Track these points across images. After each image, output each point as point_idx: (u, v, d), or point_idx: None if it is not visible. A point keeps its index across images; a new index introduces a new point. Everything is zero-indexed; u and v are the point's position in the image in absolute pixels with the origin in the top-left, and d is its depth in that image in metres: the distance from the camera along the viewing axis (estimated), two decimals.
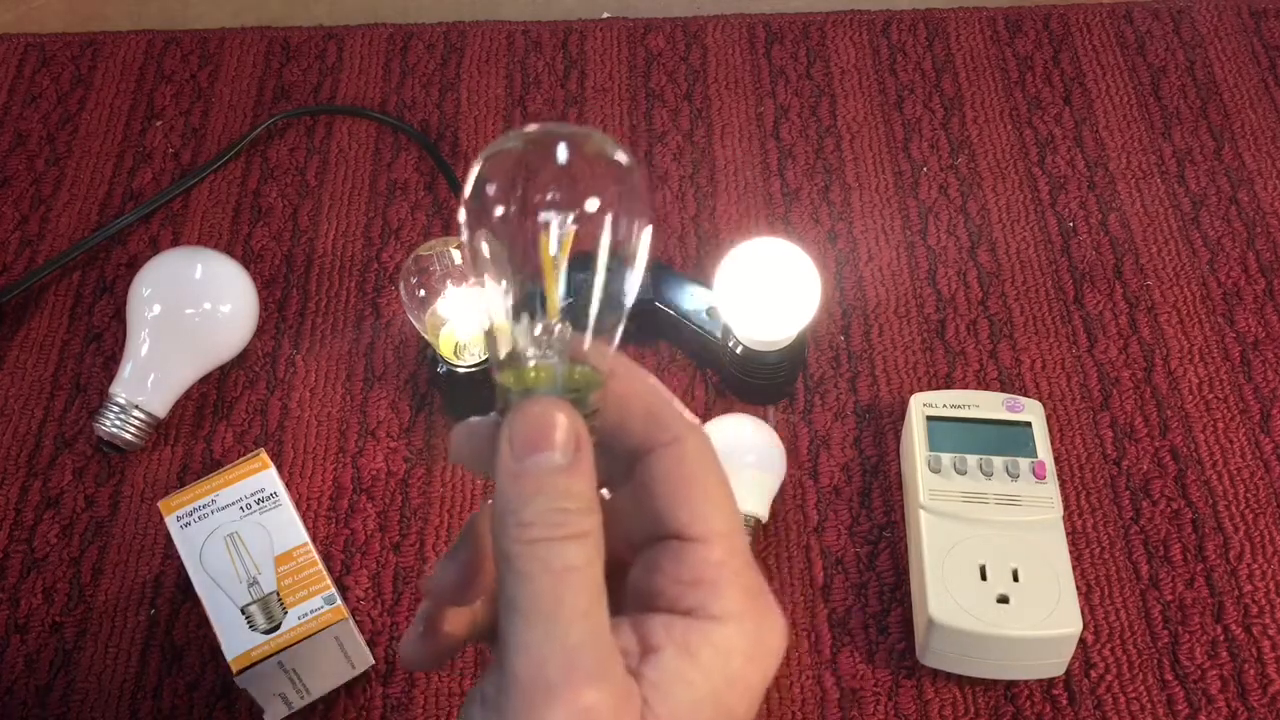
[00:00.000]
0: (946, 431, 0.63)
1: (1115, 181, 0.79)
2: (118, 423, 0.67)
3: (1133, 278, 0.75)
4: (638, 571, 0.32)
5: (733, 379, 0.69)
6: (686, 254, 0.76)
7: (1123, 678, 0.60)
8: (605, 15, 0.90)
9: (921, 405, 0.64)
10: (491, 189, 0.31)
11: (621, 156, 0.32)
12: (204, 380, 0.71)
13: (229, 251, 0.76)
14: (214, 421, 0.70)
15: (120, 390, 0.67)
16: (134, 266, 0.75)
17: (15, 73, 0.87)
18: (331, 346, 0.73)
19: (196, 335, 0.68)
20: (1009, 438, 0.63)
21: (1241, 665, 0.61)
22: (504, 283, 0.31)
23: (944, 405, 0.64)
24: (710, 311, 0.70)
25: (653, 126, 0.83)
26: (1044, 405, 0.66)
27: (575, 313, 0.31)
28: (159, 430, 0.69)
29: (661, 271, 0.72)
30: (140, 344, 0.68)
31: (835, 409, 0.70)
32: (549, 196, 0.30)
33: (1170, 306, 0.73)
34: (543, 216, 0.30)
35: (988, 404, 0.64)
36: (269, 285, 0.75)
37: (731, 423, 0.65)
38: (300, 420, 0.70)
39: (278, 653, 0.55)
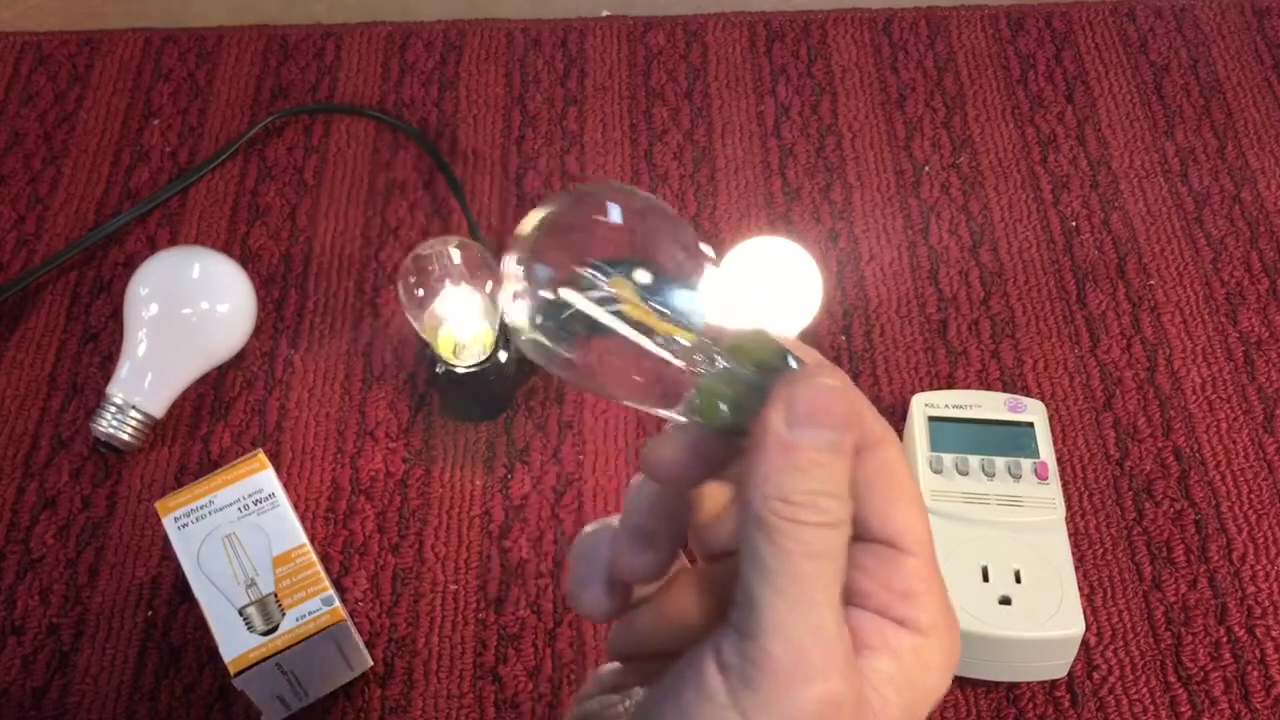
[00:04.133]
0: (948, 432, 0.63)
1: (1118, 180, 0.79)
2: (115, 423, 0.66)
3: (1135, 277, 0.74)
4: None
5: None
6: None
7: (1125, 679, 0.60)
8: (605, 13, 0.90)
9: (923, 405, 0.64)
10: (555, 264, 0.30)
11: (632, 192, 0.32)
12: (201, 380, 0.70)
13: (227, 251, 0.75)
14: (212, 422, 0.70)
15: (117, 390, 0.67)
16: (131, 266, 0.74)
17: (12, 71, 0.87)
18: (329, 346, 0.72)
19: (194, 335, 0.68)
20: (1011, 438, 0.63)
21: (1245, 667, 0.60)
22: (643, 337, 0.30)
23: (946, 405, 0.64)
24: None
25: (653, 125, 0.83)
26: (1046, 405, 0.66)
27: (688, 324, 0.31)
28: (156, 430, 0.69)
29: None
30: (137, 344, 0.67)
31: None
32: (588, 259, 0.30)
33: (1173, 306, 0.73)
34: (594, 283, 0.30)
35: (990, 404, 0.64)
36: (267, 285, 0.75)
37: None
38: (298, 420, 0.69)
39: (276, 654, 0.54)
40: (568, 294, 0.30)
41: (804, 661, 0.28)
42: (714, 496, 0.34)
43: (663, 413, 0.31)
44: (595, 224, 0.31)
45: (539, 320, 0.30)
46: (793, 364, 0.30)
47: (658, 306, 0.30)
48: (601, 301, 0.30)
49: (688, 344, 0.30)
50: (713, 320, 0.31)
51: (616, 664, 0.37)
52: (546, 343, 0.31)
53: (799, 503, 0.28)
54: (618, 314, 0.30)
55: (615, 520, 0.34)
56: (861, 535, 0.31)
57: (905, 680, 0.30)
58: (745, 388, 0.30)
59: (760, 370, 0.30)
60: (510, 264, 0.31)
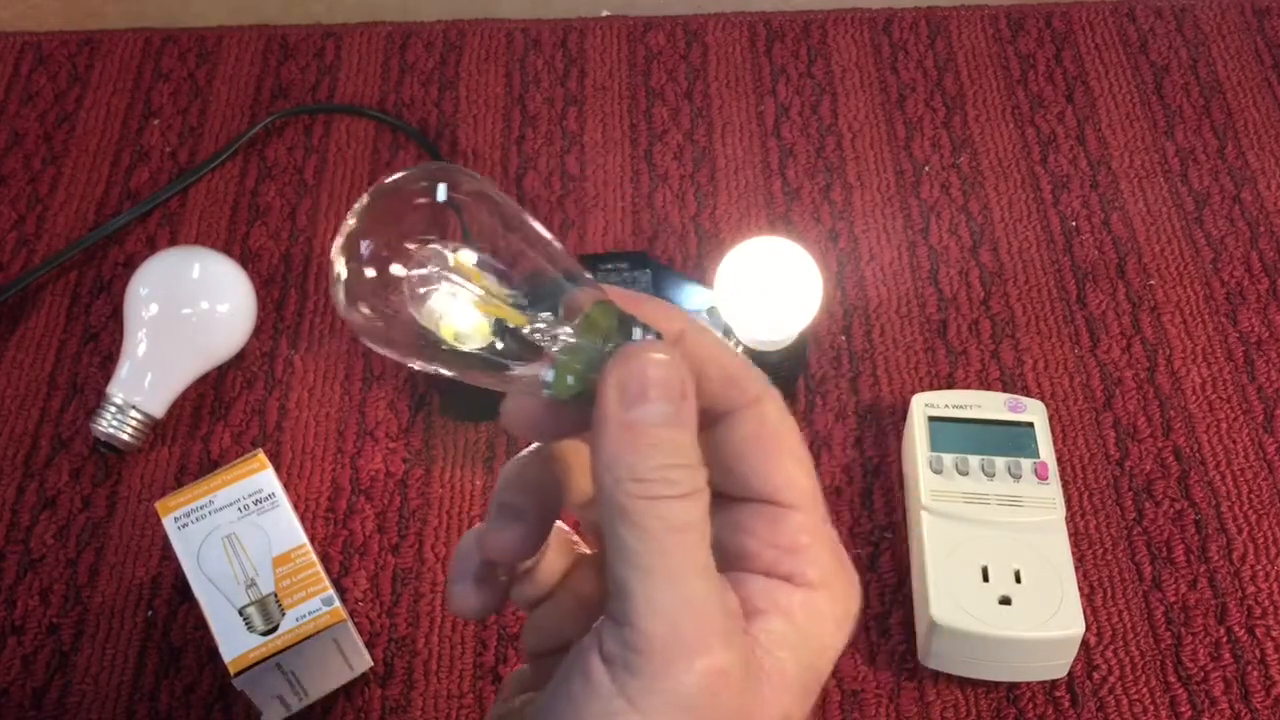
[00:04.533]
0: (948, 432, 0.63)
1: (1118, 180, 0.79)
2: (115, 423, 0.66)
3: (1135, 277, 0.74)
4: (721, 531, 0.31)
5: None
6: (686, 254, 0.76)
7: (1125, 679, 0.60)
8: (605, 13, 0.90)
9: (923, 405, 0.64)
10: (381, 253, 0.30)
11: (448, 171, 0.32)
12: (201, 380, 0.70)
13: (227, 251, 0.75)
14: (212, 422, 0.70)
15: (117, 390, 0.67)
16: (131, 266, 0.74)
17: (12, 71, 0.87)
18: (330, 346, 0.72)
19: (194, 335, 0.68)
20: (1011, 438, 0.63)
21: (1245, 667, 0.60)
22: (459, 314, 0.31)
23: (946, 405, 0.64)
24: (710, 311, 0.70)
25: (653, 125, 0.83)
26: (1046, 405, 0.66)
27: (536, 295, 0.30)
28: (156, 430, 0.69)
29: (661, 271, 0.72)
30: (137, 344, 0.67)
31: (836, 409, 0.69)
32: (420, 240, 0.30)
33: (1173, 306, 0.73)
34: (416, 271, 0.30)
35: (990, 404, 0.64)
36: (267, 285, 0.75)
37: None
38: (298, 420, 0.69)
39: (276, 654, 0.54)
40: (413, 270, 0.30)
41: (681, 638, 0.28)
42: (586, 474, 0.34)
43: (519, 382, 0.31)
44: (426, 204, 0.31)
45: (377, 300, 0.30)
46: (636, 335, 0.30)
47: (493, 288, 0.30)
48: (434, 280, 0.30)
49: (524, 325, 0.30)
50: (569, 293, 0.31)
51: (527, 665, 0.37)
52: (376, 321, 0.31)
53: (650, 479, 0.28)
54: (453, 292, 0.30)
55: None
56: (744, 495, 0.31)
57: (798, 638, 0.30)
58: (591, 360, 0.30)
59: (606, 341, 0.30)
60: (342, 244, 0.31)
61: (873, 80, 0.85)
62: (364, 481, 0.67)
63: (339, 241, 0.30)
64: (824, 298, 0.66)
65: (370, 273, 0.30)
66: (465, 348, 0.31)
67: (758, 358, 0.67)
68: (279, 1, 0.92)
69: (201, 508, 0.58)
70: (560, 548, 0.36)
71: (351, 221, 0.30)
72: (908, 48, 0.86)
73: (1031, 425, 0.63)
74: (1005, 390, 0.70)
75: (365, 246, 0.30)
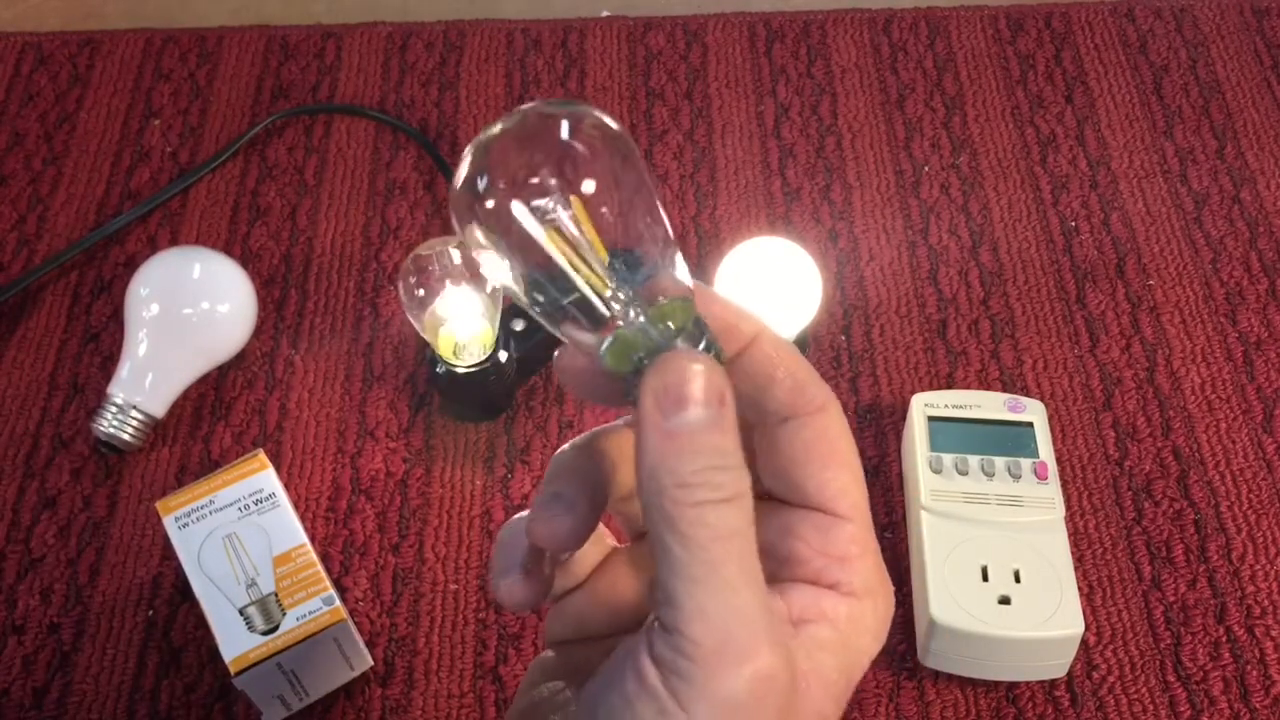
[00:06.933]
0: (948, 432, 0.63)
1: (1117, 181, 0.79)
2: (115, 423, 0.66)
3: (1135, 277, 0.75)
4: (772, 532, 0.32)
5: None
6: (687, 253, 0.76)
7: (1125, 679, 0.60)
8: (605, 14, 0.90)
9: (923, 405, 0.64)
10: (500, 175, 0.30)
11: (612, 123, 0.32)
12: (202, 380, 0.71)
13: (227, 251, 0.75)
14: (212, 422, 0.70)
15: (118, 390, 0.67)
16: (132, 266, 0.74)
17: (13, 71, 0.87)
18: (330, 346, 0.73)
19: (195, 335, 0.68)
20: (1011, 438, 0.63)
21: (1244, 667, 0.60)
22: (549, 277, 0.30)
23: (945, 405, 0.64)
24: None
25: (653, 125, 0.83)
26: (1046, 405, 0.66)
27: (630, 266, 0.31)
28: (157, 430, 0.69)
29: None
30: (138, 344, 0.68)
31: None
32: (535, 180, 0.30)
33: (1173, 306, 0.73)
34: (536, 203, 0.30)
35: (989, 404, 0.64)
36: (267, 285, 0.75)
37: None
38: (299, 420, 0.70)
39: (276, 654, 0.54)
40: (518, 207, 0.30)
41: (730, 644, 0.28)
42: (628, 470, 0.34)
43: (578, 338, 0.31)
44: (563, 144, 0.31)
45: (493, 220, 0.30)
46: (693, 344, 0.30)
47: (589, 242, 0.30)
48: (549, 215, 0.30)
49: (608, 292, 0.30)
50: (656, 276, 0.31)
51: (551, 652, 0.37)
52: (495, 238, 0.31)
53: (693, 483, 0.28)
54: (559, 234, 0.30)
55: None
56: (799, 502, 0.32)
57: (840, 644, 0.31)
58: (650, 348, 0.30)
59: (672, 335, 0.30)
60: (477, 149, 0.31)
61: (872, 80, 0.85)
62: (364, 481, 0.67)
63: (479, 141, 0.31)
64: (824, 298, 0.66)
65: (501, 185, 0.30)
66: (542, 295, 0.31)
67: None
68: (279, 2, 0.92)
69: (202, 507, 0.58)
70: (593, 540, 0.36)
71: (495, 130, 0.31)
72: (907, 48, 0.87)
73: (1031, 425, 0.63)
74: (1005, 390, 0.70)
75: (502, 160, 0.31)
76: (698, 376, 0.29)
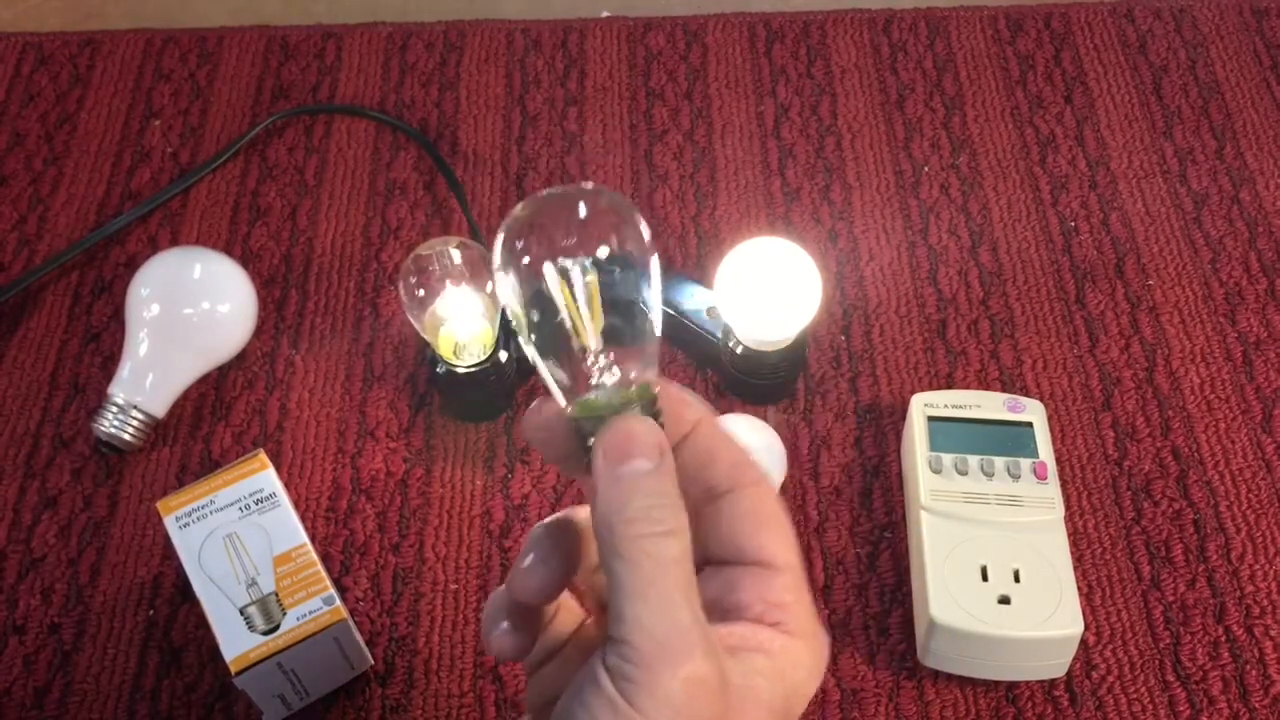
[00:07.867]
0: (948, 432, 0.63)
1: (1117, 181, 0.79)
2: (116, 423, 0.66)
3: (1134, 277, 0.75)
4: (717, 588, 0.37)
5: (733, 379, 0.69)
6: (686, 254, 0.76)
7: (1124, 679, 0.60)
8: (605, 14, 0.90)
9: (922, 405, 0.64)
10: (520, 247, 0.36)
11: (622, 202, 0.38)
12: (202, 380, 0.71)
13: (228, 251, 0.75)
14: (212, 422, 0.70)
15: (119, 390, 0.67)
16: (132, 266, 0.74)
17: (13, 71, 0.87)
18: (330, 346, 0.73)
19: (195, 335, 0.68)
20: (1010, 438, 0.63)
21: (1243, 666, 0.60)
22: (551, 327, 0.36)
23: (945, 405, 0.64)
24: (710, 311, 0.70)
25: (653, 125, 0.83)
26: (1045, 405, 0.66)
27: (615, 341, 0.36)
28: (157, 430, 0.69)
29: (661, 272, 0.72)
30: (139, 344, 0.68)
31: (836, 409, 0.69)
32: (565, 244, 0.36)
33: (1172, 306, 0.73)
34: (562, 263, 0.36)
35: (989, 404, 0.64)
36: (268, 285, 0.75)
37: (730, 423, 0.65)
38: (299, 420, 0.70)
39: (277, 654, 0.54)
40: (548, 270, 0.36)
41: (666, 650, 0.33)
42: (593, 542, 0.39)
43: (552, 385, 0.37)
44: (583, 219, 0.37)
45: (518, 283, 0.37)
46: (645, 411, 0.36)
47: (592, 309, 0.36)
48: (568, 273, 0.36)
49: (592, 352, 0.36)
50: (637, 355, 0.36)
51: (529, 718, 0.42)
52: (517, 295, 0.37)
53: (636, 518, 0.34)
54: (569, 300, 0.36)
55: None
56: (739, 559, 0.37)
57: (776, 671, 0.36)
58: (612, 409, 0.36)
59: (629, 404, 0.36)
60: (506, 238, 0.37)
61: (872, 81, 0.85)
62: (364, 481, 0.67)
63: (512, 218, 0.37)
64: (823, 298, 0.66)
65: (535, 248, 0.37)
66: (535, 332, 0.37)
67: (758, 357, 0.67)
68: (279, 2, 0.92)
69: (203, 507, 0.58)
70: (566, 613, 0.42)
71: (526, 211, 0.37)
72: (907, 48, 0.87)
73: (1030, 425, 0.63)
74: (1004, 390, 0.70)
75: (533, 234, 0.37)
76: (640, 434, 0.35)
